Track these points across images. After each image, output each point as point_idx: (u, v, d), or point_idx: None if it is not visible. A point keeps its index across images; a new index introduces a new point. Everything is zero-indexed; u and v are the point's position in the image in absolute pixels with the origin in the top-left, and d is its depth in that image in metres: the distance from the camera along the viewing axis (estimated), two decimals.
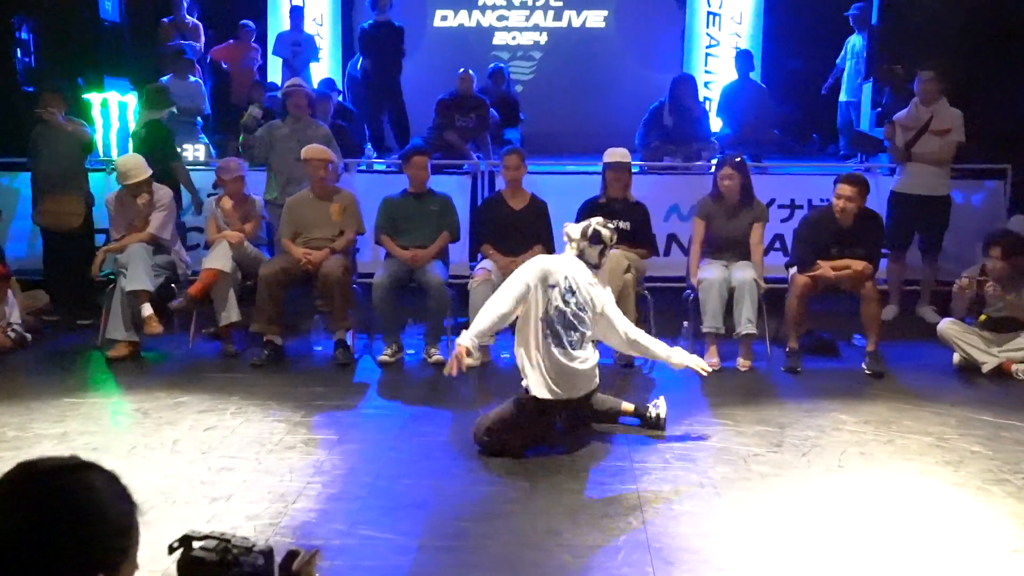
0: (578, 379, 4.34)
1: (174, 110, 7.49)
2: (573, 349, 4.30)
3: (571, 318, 4.30)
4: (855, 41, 9.57)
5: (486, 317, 4.26)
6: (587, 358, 4.36)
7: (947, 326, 5.79)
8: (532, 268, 4.35)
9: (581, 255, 4.46)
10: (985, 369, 5.61)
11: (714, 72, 10.20)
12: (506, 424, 4.29)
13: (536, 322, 4.29)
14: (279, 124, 6.83)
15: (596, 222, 4.51)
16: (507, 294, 4.30)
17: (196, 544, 1.83)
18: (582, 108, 11.11)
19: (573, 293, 4.32)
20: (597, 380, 4.51)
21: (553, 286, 4.30)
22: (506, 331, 6.27)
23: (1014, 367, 5.58)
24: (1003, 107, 7.89)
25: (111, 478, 1.46)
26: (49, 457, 1.45)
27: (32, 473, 1.41)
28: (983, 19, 8.12)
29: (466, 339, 4.20)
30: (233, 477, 3.98)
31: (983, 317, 5.77)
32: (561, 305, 4.28)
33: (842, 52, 9.77)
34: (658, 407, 4.63)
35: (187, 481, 3.93)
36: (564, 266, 4.40)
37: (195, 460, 4.18)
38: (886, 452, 4.35)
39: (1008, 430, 4.63)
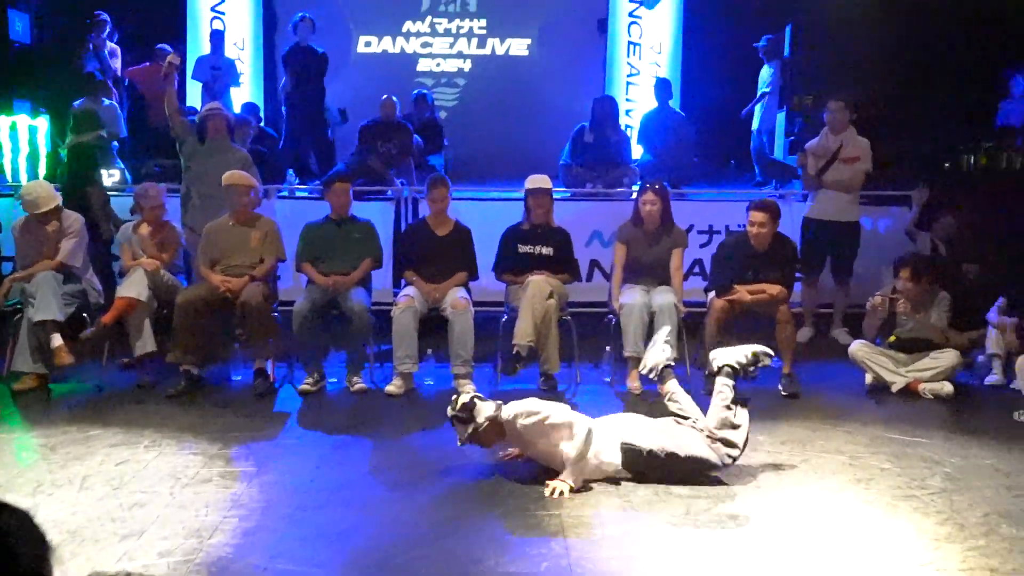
0: None
1: (103, 133, 7.30)
2: None
3: None
4: (764, 72, 9.88)
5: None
6: None
7: (858, 347, 5.98)
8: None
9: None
10: (894, 389, 5.81)
11: (634, 100, 10.41)
12: None
13: None
14: (200, 147, 6.67)
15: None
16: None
17: None
18: (505, 134, 11.19)
19: None
20: None
21: None
22: (429, 359, 6.30)
23: (921, 386, 5.79)
24: (909, 136, 8.26)
25: (23, 518, 1.40)
26: None
27: None
28: (890, 52, 8.51)
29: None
30: (146, 513, 3.85)
31: (892, 338, 5.98)
32: None
33: (766, 81, 10.09)
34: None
35: (97, 518, 3.79)
36: None
37: (105, 496, 4.04)
38: (801, 471, 4.45)
39: (914, 447, 4.80)
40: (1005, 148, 8.71)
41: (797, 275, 6.44)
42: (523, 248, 6.12)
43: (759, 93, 9.97)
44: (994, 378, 6.05)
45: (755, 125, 9.99)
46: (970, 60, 8.84)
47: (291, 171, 9.27)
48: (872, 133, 7.12)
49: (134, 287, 5.81)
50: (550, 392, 5.75)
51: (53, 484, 4.18)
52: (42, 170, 8.28)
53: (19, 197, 6.26)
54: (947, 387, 5.77)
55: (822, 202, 7.00)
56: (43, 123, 8.42)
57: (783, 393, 5.74)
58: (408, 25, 11.81)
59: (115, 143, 8.67)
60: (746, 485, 4.26)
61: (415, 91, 10.02)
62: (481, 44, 11.92)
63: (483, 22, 11.87)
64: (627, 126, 9.53)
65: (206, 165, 6.53)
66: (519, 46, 11.93)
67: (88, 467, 4.39)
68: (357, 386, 5.76)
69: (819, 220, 7.00)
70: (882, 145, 7.09)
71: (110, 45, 9.70)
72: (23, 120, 8.32)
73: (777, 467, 4.49)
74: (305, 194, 8.59)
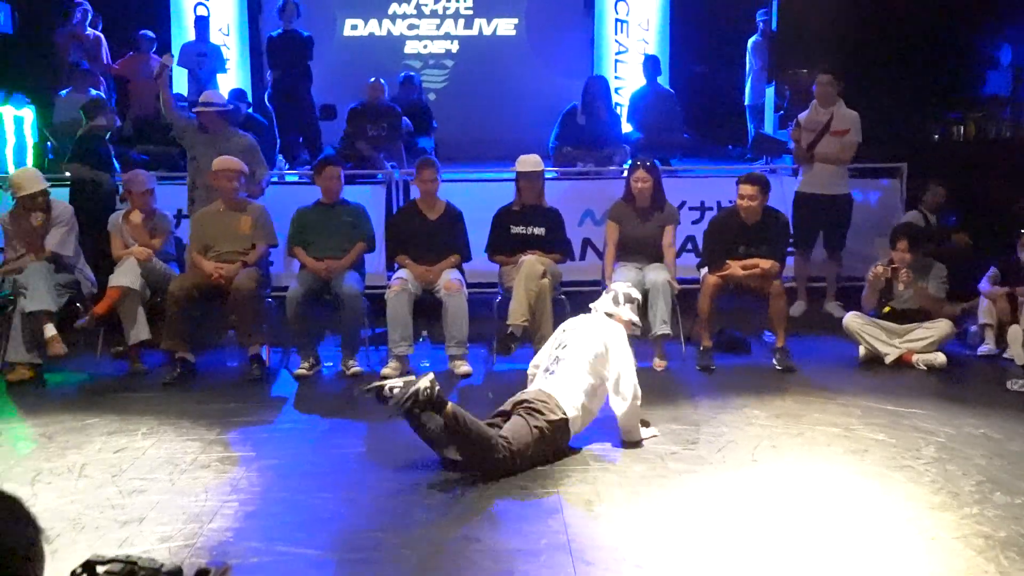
0: None
1: (114, 119, 7.26)
2: None
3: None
4: (751, 44, 9.88)
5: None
6: None
7: (851, 319, 6.01)
8: None
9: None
10: (888, 360, 5.84)
11: (623, 78, 10.37)
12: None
13: None
14: (199, 135, 6.61)
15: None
16: None
17: (100, 568, 1.77)
18: (494, 115, 11.15)
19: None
20: None
21: None
22: (424, 342, 6.30)
23: (914, 357, 5.83)
24: (897, 108, 8.26)
25: (12, 503, 1.40)
26: None
27: None
28: (877, 24, 8.49)
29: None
30: (145, 499, 3.86)
31: (887, 309, 6.01)
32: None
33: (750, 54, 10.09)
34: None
35: (96, 506, 3.80)
36: None
37: (104, 484, 4.04)
38: (796, 444, 4.48)
39: (908, 418, 4.83)
40: (993, 118, 8.74)
41: (789, 249, 6.45)
42: (515, 229, 6.12)
43: (748, 67, 9.98)
44: (986, 348, 6.09)
45: (747, 100, 9.99)
46: (952, 29, 8.83)
47: (280, 156, 9.23)
48: (861, 105, 7.12)
49: (126, 276, 5.80)
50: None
51: (51, 473, 4.19)
52: (29, 161, 8.23)
53: (8, 187, 6.23)
54: (940, 357, 5.81)
55: (813, 176, 7.01)
56: (28, 114, 8.36)
57: (777, 367, 5.77)
58: (394, 7, 11.73)
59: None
60: (742, 459, 4.29)
61: (402, 73, 9.96)
62: (468, 25, 11.85)
63: (469, 2, 11.80)
64: (617, 104, 9.49)
65: (209, 155, 6.47)
66: (506, 26, 11.86)
67: (86, 455, 4.40)
68: (352, 370, 5.77)
69: (810, 194, 7.01)
70: (868, 117, 7.08)
71: (94, 32, 9.62)
72: (8, 111, 8.26)
73: (772, 440, 4.52)
74: (295, 179, 8.56)
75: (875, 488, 3.94)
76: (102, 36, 9.67)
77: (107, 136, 7.04)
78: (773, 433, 4.63)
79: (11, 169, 7.91)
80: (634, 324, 4.74)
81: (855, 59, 8.19)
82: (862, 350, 5.97)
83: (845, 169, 7.07)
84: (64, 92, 8.69)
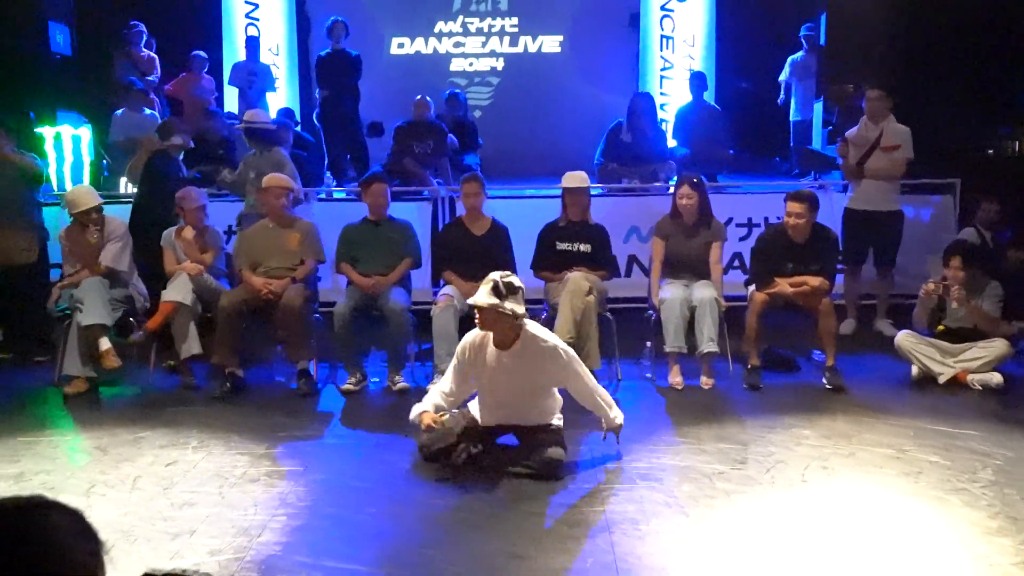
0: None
1: (187, 140, 7.44)
2: None
3: None
4: (797, 59, 9.81)
5: None
6: None
7: (904, 338, 5.89)
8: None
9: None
10: (941, 380, 5.72)
11: (668, 94, 10.34)
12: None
13: None
14: (248, 156, 6.90)
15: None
16: None
17: None
18: (540, 132, 11.20)
19: None
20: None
21: None
22: None
23: (969, 377, 5.70)
24: (950, 123, 8.11)
25: (75, 517, 1.43)
26: (10, 497, 1.42)
27: None
28: (928, 37, 8.36)
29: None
30: (195, 512, 3.92)
31: (940, 328, 5.89)
32: None
33: (785, 69, 10.01)
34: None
35: (148, 518, 3.86)
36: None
37: (156, 496, 4.11)
38: (847, 465, 4.40)
39: (963, 439, 4.72)
40: None
41: (839, 266, 6.36)
42: (561, 245, 6.12)
43: (788, 80, 9.92)
44: None
45: (792, 115, 9.90)
46: (1005, 42, 8.66)
47: (328, 173, 9.35)
48: (912, 120, 7.01)
49: (178, 291, 5.91)
50: None
51: (105, 485, 4.27)
52: (86, 178, 8.43)
53: (64, 205, 6.39)
54: (996, 377, 5.67)
55: (863, 192, 6.91)
56: (86, 133, 8.57)
57: (826, 386, 5.68)
58: (440, 25, 11.85)
59: None
60: (791, 479, 4.22)
61: (448, 91, 10.05)
62: (513, 42, 11.92)
63: (515, 20, 11.88)
64: (662, 120, 9.47)
65: (253, 171, 6.74)
66: (551, 43, 11.92)
67: (138, 468, 4.48)
68: (399, 385, 5.80)
69: (860, 210, 6.91)
70: (920, 132, 6.97)
71: (148, 53, 9.85)
72: (66, 130, 8.48)
73: (823, 461, 4.45)
74: (342, 196, 8.66)
75: (929, 511, 3.85)
76: (156, 57, 9.90)
77: (180, 156, 7.17)
78: (823, 453, 4.56)
79: (68, 187, 8.11)
80: (517, 315, 4.23)
81: (906, 73, 8.07)
82: (915, 369, 5.86)
83: (896, 185, 6.96)
84: (119, 111, 8.90)
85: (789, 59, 9.96)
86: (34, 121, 8.27)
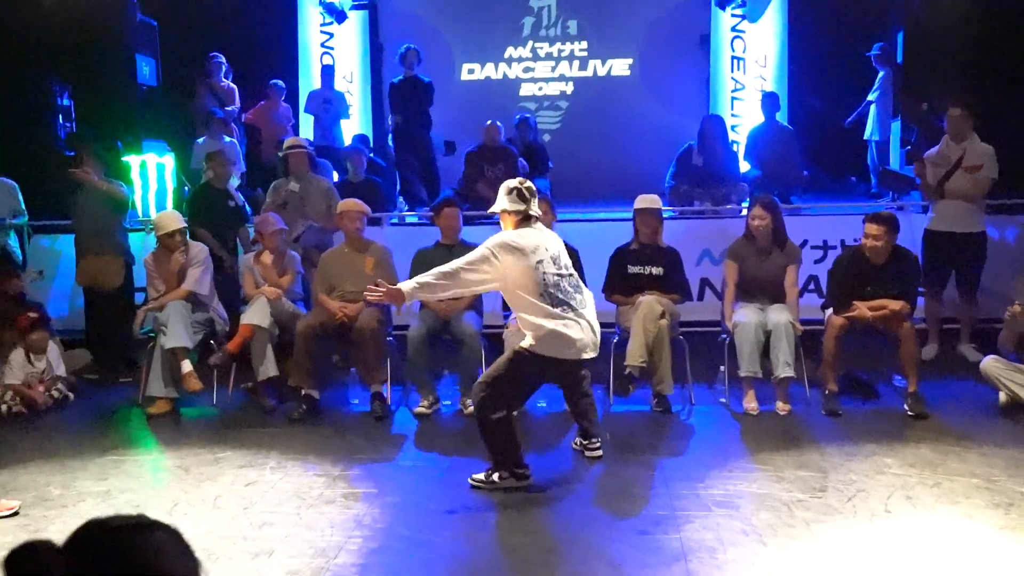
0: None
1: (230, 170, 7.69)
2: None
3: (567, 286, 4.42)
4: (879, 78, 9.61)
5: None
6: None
7: (990, 363, 5.69)
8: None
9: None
10: None
11: (740, 115, 10.24)
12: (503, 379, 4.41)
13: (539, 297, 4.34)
14: (283, 182, 7.05)
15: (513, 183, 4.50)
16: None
17: None
18: (609, 155, 11.18)
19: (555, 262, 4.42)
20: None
21: (540, 261, 4.34)
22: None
23: None
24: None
25: (176, 536, 1.47)
26: (116, 516, 1.46)
27: (101, 532, 1.42)
28: (1011, 53, 8.13)
29: (407, 286, 4.44)
30: (274, 532, 3.99)
31: None
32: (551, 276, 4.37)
33: (874, 88, 9.81)
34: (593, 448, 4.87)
35: (229, 537, 3.95)
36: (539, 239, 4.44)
37: (236, 516, 4.20)
38: (933, 495, 4.26)
39: None
40: None
41: (920, 289, 6.18)
42: (632, 268, 6.09)
43: (867, 100, 9.71)
44: None
45: (868, 135, 9.71)
46: None
47: (400, 198, 9.49)
48: (995, 139, 6.81)
49: (257, 315, 6.05)
50: (663, 413, 5.69)
51: (188, 503, 4.38)
52: (169, 205, 8.71)
53: (151, 229, 6.63)
54: None
55: (944, 213, 6.72)
56: (170, 161, 8.87)
57: (909, 413, 5.51)
58: (510, 51, 11.96)
59: (235, 178, 9.07)
60: (874, 509, 4.11)
61: (518, 115, 10.13)
62: (583, 66, 11.96)
63: (584, 44, 11.93)
64: (734, 142, 9.38)
65: (293, 199, 6.91)
66: (620, 66, 11.92)
67: (219, 487, 4.58)
68: (470, 409, 5.80)
69: (942, 232, 6.72)
70: (1004, 151, 6.76)
71: (228, 84, 10.17)
72: (151, 158, 8.79)
73: (906, 490, 4.32)
74: (415, 220, 8.77)
75: (1022, 546, 3.70)
76: (235, 87, 10.21)
77: (226, 186, 7.34)
78: (907, 483, 4.42)
79: (153, 213, 8.40)
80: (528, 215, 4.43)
81: (989, 91, 7.85)
82: (1002, 396, 5.64)
83: (980, 205, 6.76)
84: (200, 139, 9.19)
85: (878, 76, 9.74)
86: (121, 150, 8.60)
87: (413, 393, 6.06)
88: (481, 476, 4.51)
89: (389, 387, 6.05)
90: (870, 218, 5.76)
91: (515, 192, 4.45)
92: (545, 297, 4.32)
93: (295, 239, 6.97)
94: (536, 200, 4.50)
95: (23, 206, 7.36)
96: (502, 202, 4.48)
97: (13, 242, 7.33)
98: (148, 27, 9.46)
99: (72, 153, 8.20)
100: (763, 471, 4.64)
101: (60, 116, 9.13)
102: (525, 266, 4.30)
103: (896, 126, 9.34)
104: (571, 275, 4.49)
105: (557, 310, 4.32)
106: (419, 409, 5.84)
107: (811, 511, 4.09)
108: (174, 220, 6.32)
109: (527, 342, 4.40)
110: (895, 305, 5.61)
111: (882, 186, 9.25)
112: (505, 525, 4.06)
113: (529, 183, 4.50)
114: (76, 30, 8.66)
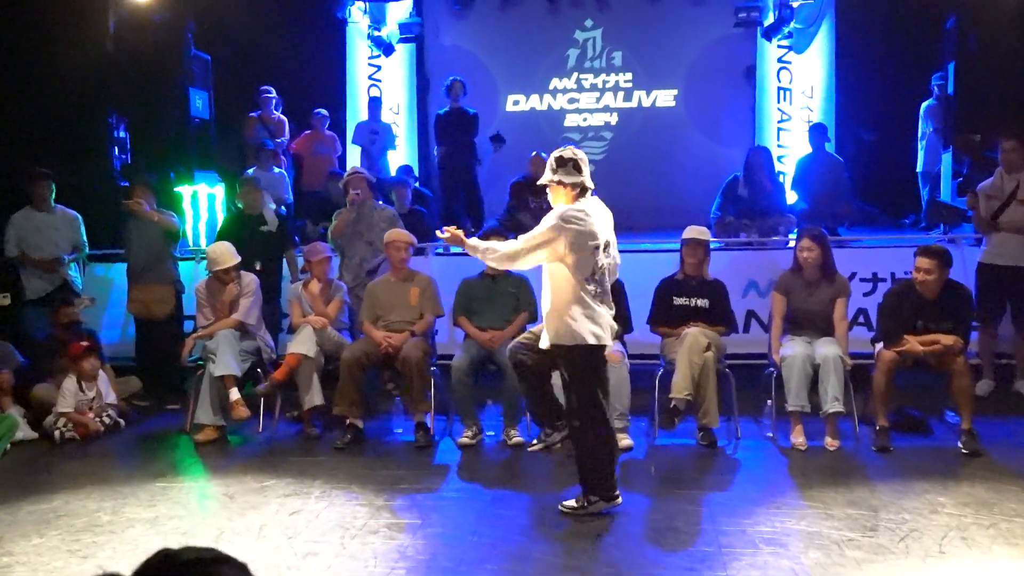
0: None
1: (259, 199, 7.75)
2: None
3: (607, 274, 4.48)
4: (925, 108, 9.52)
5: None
6: None
7: None
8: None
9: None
10: None
11: (786, 146, 10.18)
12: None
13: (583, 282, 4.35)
14: (344, 212, 7.05)
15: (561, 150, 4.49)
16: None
17: None
18: (654, 186, 11.17)
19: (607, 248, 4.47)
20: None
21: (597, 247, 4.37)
22: None
23: None
24: None
25: (243, 571, 1.48)
26: (188, 548, 1.48)
27: (174, 565, 1.43)
28: None
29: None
30: (319, 563, 4.00)
31: None
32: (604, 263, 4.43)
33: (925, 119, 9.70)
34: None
35: (274, 566, 3.96)
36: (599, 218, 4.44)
37: (281, 545, 4.22)
38: (989, 536, 4.14)
39: None
40: None
41: (974, 324, 6.05)
42: (678, 300, 6.06)
43: (920, 132, 9.59)
44: None
45: (919, 167, 9.57)
46: None
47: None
48: None
49: (303, 344, 6.12)
50: (709, 447, 5.62)
51: (233, 532, 4.41)
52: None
53: (202, 258, 6.74)
54: None
55: (998, 246, 6.58)
56: (220, 191, 9.05)
57: (963, 451, 5.37)
58: (555, 82, 12.05)
59: (283, 208, 9.21)
60: (928, 549, 4.00)
61: (562, 146, 10.16)
62: (627, 97, 12.00)
63: (628, 75, 11.97)
64: (780, 173, 9.32)
65: (357, 226, 6.90)
66: (665, 97, 11.93)
67: (264, 516, 4.61)
68: (514, 439, 5.81)
69: (996, 265, 6.58)
70: None
71: (278, 116, 10.37)
72: (203, 189, 8.98)
73: (961, 531, 4.20)
74: (459, 250, 8.80)
75: None
76: (284, 119, 10.40)
77: (261, 212, 7.37)
78: (962, 523, 4.30)
79: (203, 242, 8.56)
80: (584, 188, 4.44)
81: None
82: None
83: None
84: (251, 170, 9.36)
85: (923, 106, 9.63)
86: (174, 180, 8.80)
87: (457, 423, 6.06)
88: (572, 503, 4.50)
89: (433, 417, 6.06)
90: (921, 251, 5.67)
91: (571, 164, 4.42)
92: (590, 284, 4.36)
93: (373, 270, 6.97)
94: (588, 170, 4.49)
95: (84, 238, 7.54)
96: (559, 174, 4.42)
97: (73, 272, 7.51)
98: (201, 61, 9.71)
99: (126, 184, 8.42)
100: (812, 508, 4.54)
101: (116, 148, 9.38)
102: (585, 251, 4.33)
103: (947, 158, 9.21)
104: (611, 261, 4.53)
105: (596, 300, 4.38)
106: (463, 439, 5.84)
107: (862, 550, 4.00)
108: (229, 256, 6.35)
109: (570, 340, 4.35)
110: (947, 340, 5.50)
111: (931, 218, 9.10)
112: (548, 559, 4.02)
113: (582, 153, 4.49)
114: (133, 64, 8.92)
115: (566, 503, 4.53)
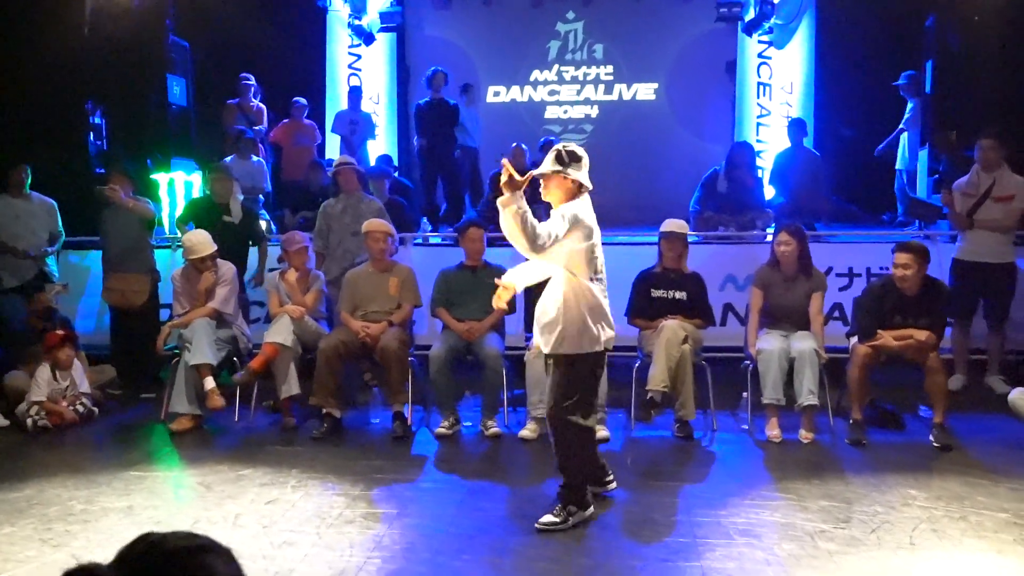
0: None
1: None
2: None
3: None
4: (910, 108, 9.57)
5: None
6: None
7: (1019, 396, 5.60)
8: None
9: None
10: None
11: (765, 141, 10.23)
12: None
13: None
14: (332, 203, 7.02)
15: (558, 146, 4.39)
16: None
17: None
18: (633, 179, 11.20)
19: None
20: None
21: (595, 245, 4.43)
22: None
23: None
24: None
25: (229, 559, 1.46)
26: (173, 534, 1.44)
27: (159, 553, 1.40)
28: None
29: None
30: (294, 552, 3.98)
31: None
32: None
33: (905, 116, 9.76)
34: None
35: (249, 556, 3.94)
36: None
37: (257, 534, 4.20)
38: (959, 529, 4.19)
39: None
40: None
41: (948, 320, 6.12)
42: (656, 293, 6.08)
43: (899, 129, 9.66)
44: None
45: (898, 164, 9.65)
46: None
47: (424, 219, 9.54)
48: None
49: (280, 333, 6.09)
50: (686, 439, 5.65)
51: (208, 521, 4.38)
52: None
53: (178, 246, 6.67)
54: None
55: (974, 243, 6.66)
56: (197, 179, 8.98)
57: (935, 445, 5.44)
58: (536, 74, 12.06)
59: (260, 197, 9.16)
60: (899, 541, 4.05)
61: (542, 138, 10.17)
62: (608, 90, 12.03)
63: (610, 68, 12.00)
64: (759, 168, 9.37)
65: (344, 217, 6.85)
66: (646, 91, 11.97)
67: (240, 505, 4.59)
68: (492, 430, 5.82)
69: (971, 262, 6.65)
70: None
71: (257, 104, 10.29)
72: (180, 176, 8.90)
73: (932, 523, 4.25)
74: (439, 241, 8.81)
75: None
76: (264, 107, 10.33)
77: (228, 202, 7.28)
78: (933, 515, 4.36)
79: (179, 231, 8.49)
80: (583, 186, 4.32)
81: (1019, 121, 7.79)
82: None
83: (1010, 236, 6.69)
84: (229, 158, 9.30)
85: (909, 105, 9.68)
86: (151, 168, 8.72)
87: (435, 414, 6.06)
88: (550, 518, 4.24)
89: (411, 407, 6.05)
90: (900, 247, 5.71)
91: (581, 161, 4.36)
92: (595, 281, 4.41)
93: (361, 262, 6.90)
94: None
95: (60, 227, 7.45)
96: (571, 168, 4.29)
97: (51, 261, 7.42)
98: (180, 48, 9.62)
99: (103, 171, 8.33)
100: (786, 500, 4.58)
101: (92, 134, 9.28)
102: (588, 246, 4.34)
103: (924, 155, 9.29)
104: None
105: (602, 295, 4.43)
106: (440, 430, 5.84)
107: (835, 542, 4.04)
108: (205, 244, 6.30)
109: (588, 347, 4.30)
110: (922, 335, 5.56)
111: (909, 215, 9.19)
112: (526, 550, 4.03)
113: (582, 150, 4.41)
114: (111, 50, 8.82)
115: (543, 520, 4.25)
